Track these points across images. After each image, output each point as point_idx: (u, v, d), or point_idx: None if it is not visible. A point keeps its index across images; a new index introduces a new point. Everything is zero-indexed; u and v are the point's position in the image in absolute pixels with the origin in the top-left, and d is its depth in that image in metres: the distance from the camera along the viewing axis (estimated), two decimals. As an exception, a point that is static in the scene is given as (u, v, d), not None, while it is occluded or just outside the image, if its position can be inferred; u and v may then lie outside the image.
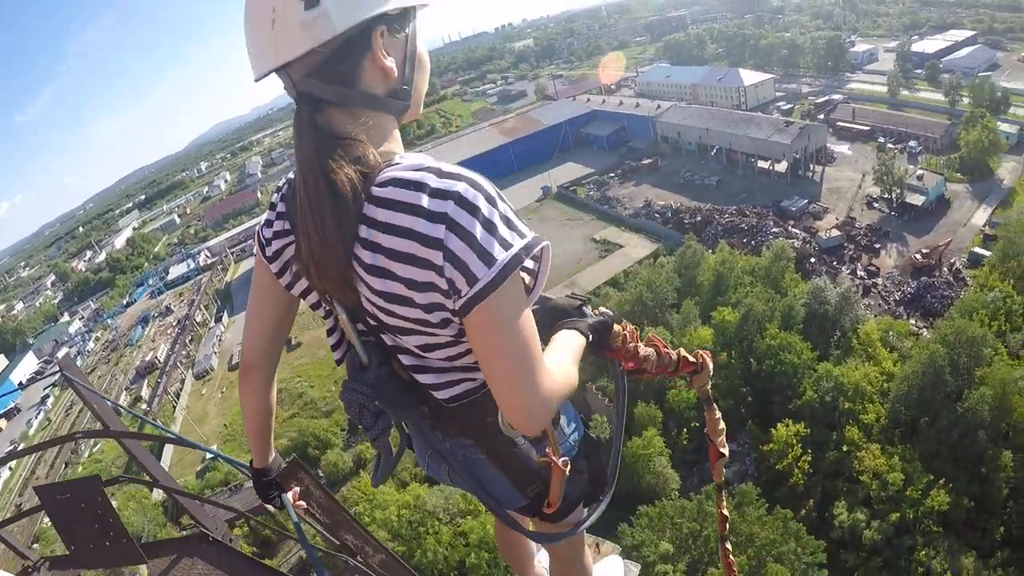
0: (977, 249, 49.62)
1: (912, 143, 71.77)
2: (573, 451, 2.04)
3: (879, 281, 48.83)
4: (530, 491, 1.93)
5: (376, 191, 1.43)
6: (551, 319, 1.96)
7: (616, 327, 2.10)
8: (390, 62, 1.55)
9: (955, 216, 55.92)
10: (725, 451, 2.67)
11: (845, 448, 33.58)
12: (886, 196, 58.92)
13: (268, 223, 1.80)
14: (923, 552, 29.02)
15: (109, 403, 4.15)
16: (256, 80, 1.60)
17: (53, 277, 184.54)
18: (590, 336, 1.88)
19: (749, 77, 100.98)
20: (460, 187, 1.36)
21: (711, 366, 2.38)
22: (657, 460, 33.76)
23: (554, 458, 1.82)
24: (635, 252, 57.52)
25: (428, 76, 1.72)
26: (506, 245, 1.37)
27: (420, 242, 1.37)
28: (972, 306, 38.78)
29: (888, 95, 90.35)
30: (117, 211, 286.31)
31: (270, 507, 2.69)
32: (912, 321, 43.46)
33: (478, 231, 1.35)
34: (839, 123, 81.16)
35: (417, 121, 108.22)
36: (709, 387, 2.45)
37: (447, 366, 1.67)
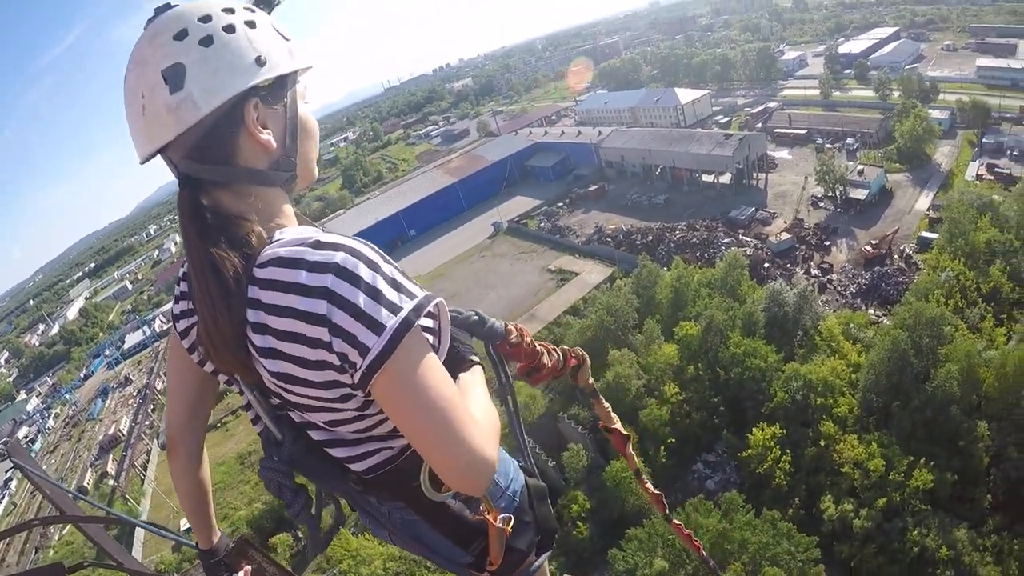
0: (924, 233, 50.89)
1: (849, 140, 74.48)
2: (514, 503, 2.00)
3: (834, 277, 49.66)
4: (473, 548, 1.85)
5: (258, 272, 1.39)
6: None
7: (510, 326, 2.03)
8: (267, 135, 1.50)
9: (899, 204, 57.47)
10: (624, 430, 2.64)
11: (823, 443, 33.91)
12: (830, 194, 60.21)
13: (176, 299, 1.78)
14: (915, 532, 29.43)
15: (63, 489, 3.81)
16: (141, 163, 1.55)
17: (7, 354, 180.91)
18: (490, 349, 1.93)
19: (685, 95, 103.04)
20: (338, 257, 1.32)
21: (588, 361, 2.45)
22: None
23: (488, 516, 1.74)
24: (591, 278, 57.40)
25: (316, 141, 1.68)
26: (394, 309, 1.33)
27: (304, 320, 1.32)
28: (927, 288, 40.06)
29: (821, 97, 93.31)
30: (67, 281, 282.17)
31: None
32: (871, 311, 44.25)
33: (361, 300, 1.30)
34: (777, 130, 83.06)
35: (363, 169, 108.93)
36: (592, 380, 2.47)
37: (359, 438, 1.59)
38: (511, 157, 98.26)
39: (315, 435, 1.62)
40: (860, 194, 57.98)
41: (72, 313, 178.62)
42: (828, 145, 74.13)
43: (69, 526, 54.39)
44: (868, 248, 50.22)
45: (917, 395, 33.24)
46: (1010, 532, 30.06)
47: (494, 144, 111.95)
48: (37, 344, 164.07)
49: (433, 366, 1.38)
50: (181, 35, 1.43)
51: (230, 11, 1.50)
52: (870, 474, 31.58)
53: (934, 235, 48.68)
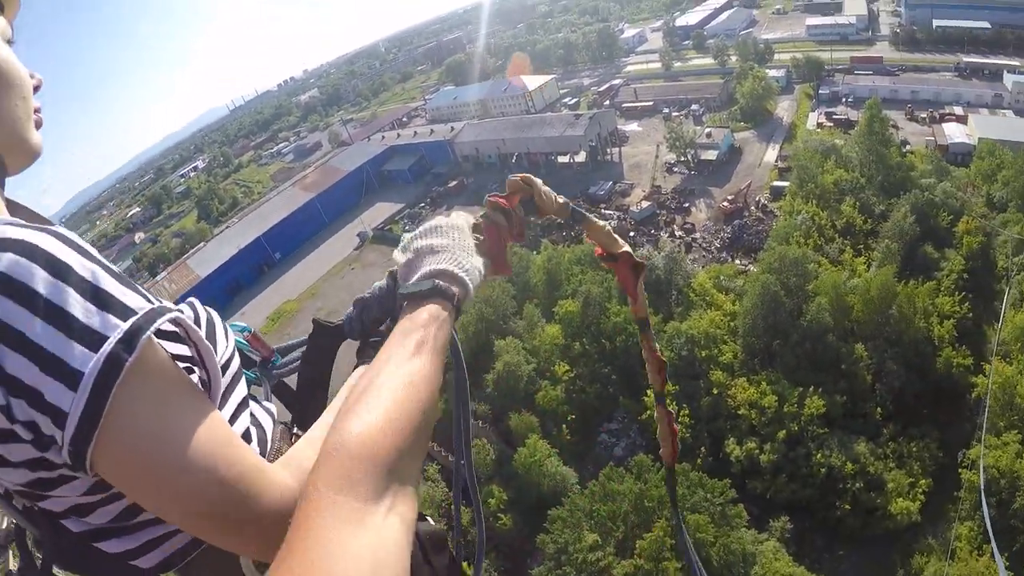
0: (776, 183, 53.45)
1: (694, 107, 77.06)
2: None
3: (697, 235, 51.12)
4: None
5: None
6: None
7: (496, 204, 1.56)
8: None
9: (748, 160, 60.21)
10: (627, 248, 1.83)
11: (715, 391, 35.04)
12: (683, 159, 61.97)
13: None
14: (819, 455, 31.41)
15: None
16: None
17: None
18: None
19: (532, 82, 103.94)
20: (4, 262, 0.84)
21: (539, 182, 1.62)
22: (548, 462, 33.49)
23: None
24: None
25: (20, 94, 1.14)
26: (92, 338, 0.86)
27: None
28: (786, 232, 42.19)
29: (663, 70, 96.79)
30: None
31: None
32: (737, 261, 46.03)
33: (39, 332, 0.83)
34: (624, 105, 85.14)
35: (218, 197, 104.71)
36: (554, 196, 1.67)
37: (132, 523, 1.09)
38: (367, 164, 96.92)
39: (71, 526, 1.08)
40: (711, 155, 60.26)
41: None
42: (675, 113, 75.99)
43: None
44: (725, 204, 52.13)
45: (794, 331, 35.09)
46: (905, 436, 32.85)
47: (348, 153, 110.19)
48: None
49: (173, 410, 0.93)
50: None
51: None
52: (766, 411, 32.98)
53: (785, 183, 51.33)
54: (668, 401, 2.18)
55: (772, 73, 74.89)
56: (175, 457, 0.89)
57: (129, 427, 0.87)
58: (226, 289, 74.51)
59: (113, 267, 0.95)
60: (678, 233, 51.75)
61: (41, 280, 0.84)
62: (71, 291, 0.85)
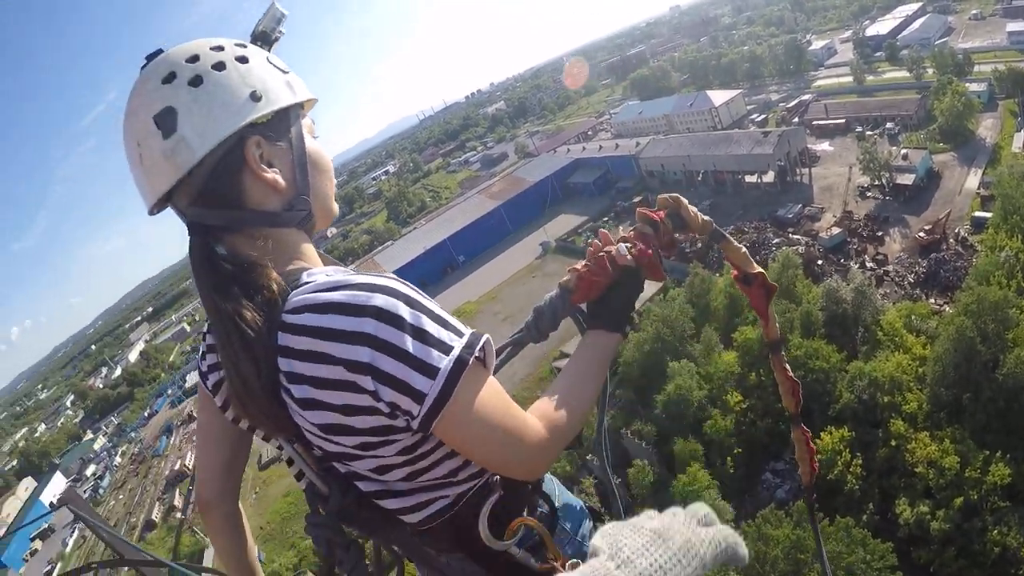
0: (978, 213, 49.31)
1: (889, 125, 72.62)
2: (584, 546, 1.87)
3: (890, 268, 48.29)
4: None
5: (288, 318, 1.32)
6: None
7: (569, 281, 1.81)
8: (272, 173, 1.47)
9: (948, 186, 56.07)
10: (760, 269, 2.02)
11: (894, 443, 32.21)
12: (877, 183, 58.91)
13: (203, 354, 1.73)
14: (995, 531, 27.78)
15: (114, 534, 4.04)
16: (150, 214, 1.55)
17: (72, 397, 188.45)
18: (626, 329, 1.73)
19: (718, 97, 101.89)
20: (377, 300, 1.26)
21: (685, 201, 1.86)
22: (706, 494, 32.70)
23: (556, 563, 1.62)
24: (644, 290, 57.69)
25: (330, 176, 1.64)
26: (445, 348, 1.29)
27: (346, 367, 1.25)
28: (986, 270, 38.14)
29: (855, 84, 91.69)
30: (127, 325, 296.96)
31: None
32: (931, 300, 42.76)
33: (408, 344, 1.25)
34: (815, 122, 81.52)
35: (407, 199, 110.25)
36: (699, 215, 1.87)
37: (409, 487, 1.52)
38: (552, 176, 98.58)
39: (363, 486, 1.54)
40: (907, 179, 56.62)
41: (133, 356, 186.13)
42: (868, 132, 72.39)
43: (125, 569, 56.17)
44: (922, 235, 48.87)
45: (988, 385, 31.53)
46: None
47: (533, 165, 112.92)
48: (101, 386, 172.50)
49: (487, 396, 1.36)
50: (169, 78, 1.40)
51: (219, 48, 1.46)
52: (945, 472, 29.70)
53: (988, 214, 46.93)
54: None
55: (972, 87, 68.30)
56: (484, 421, 1.33)
57: (466, 402, 1.29)
58: (412, 284, 78.50)
59: (437, 305, 1.40)
60: (869, 264, 49.10)
61: (405, 311, 1.25)
62: (424, 318, 1.28)
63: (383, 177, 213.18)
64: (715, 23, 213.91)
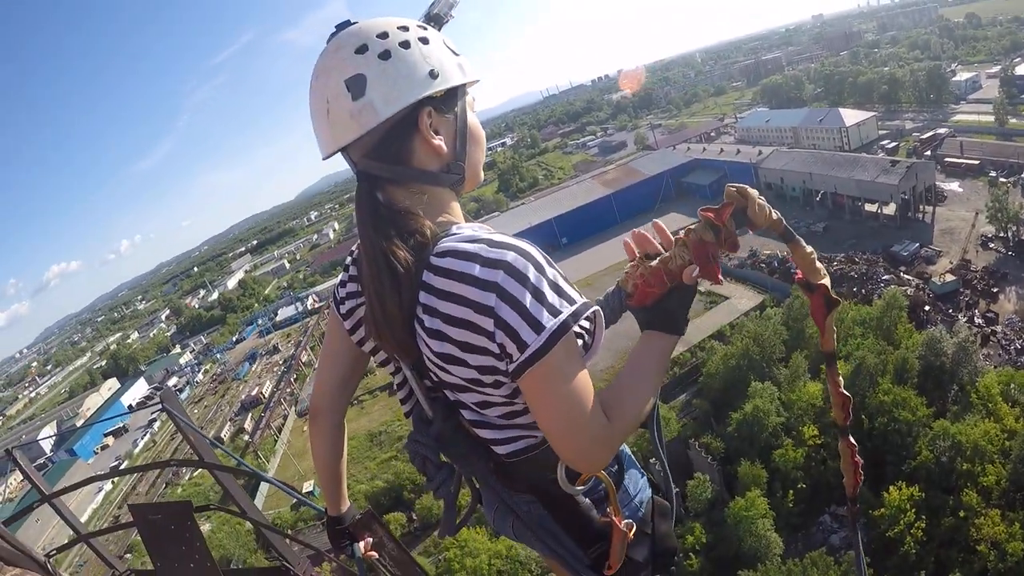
0: None
1: None
2: (638, 513, 2.07)
3: (999, 328, 46.07)
4: (592, 552, 1.92)
5: (434, 260, 1.56)
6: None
7: (626, 284, 1.83)
8: (439, 141, 1.70)
9: None
10: (827, 281, 1.92)
11: (962, 514, 30.81)
12: (1002, 235, 56.27)
13: (343, 283, 2.00)
14: None
15: (205, 438, 4.39)
16: (324, 159, 1.80)
17: (168, 312, 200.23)
18: (682, 331, 1.77)
19: (850, 116, 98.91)
20: (509, 256, 1.46)
21: (755, 194, 1.74)
22: (760, 522, 32.76)
23: (616, 519, 1.85)
24: (741, 304, 56.98)
25: (484, 148, 1.87)
26: (555, 312, 1.45)
27: (473, 309, 1.47)
28: None
29: (996, 124, 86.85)
30: (230, 254, 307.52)
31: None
32: None
33: (527, 299, 1.43)
34: (947, 159, 77.94)
35: (520, 174, 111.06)
36: (769, 210, 1.76)
37: (505, 423, 1.72)
38: (667, 172, 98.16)
39: (466, 414, 1.74)
40: None
41: (232, 283, 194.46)
42: (1003, 179, 67.70)
43: (201, 471, 58.60)
44: None
45: None
46: None
47: (651, 158, 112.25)
48: (197, 306, 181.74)
49: (575, 367, 1.49)
50: (362, 49, 1.64)
51: (404, 28, 1.70)
52: (1007, 557, 28.41)
53: None
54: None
55: None
56: (563, 391, 1.46)
57: (556, 363, 1.44)
58: None
59: (562, 272, 1.54)
60: (978, 320, 47.01)
61: (531, 271, 1.44)
62: (545, 281, 1.45)
63: (499, 148, 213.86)
64: (857, 38, 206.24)
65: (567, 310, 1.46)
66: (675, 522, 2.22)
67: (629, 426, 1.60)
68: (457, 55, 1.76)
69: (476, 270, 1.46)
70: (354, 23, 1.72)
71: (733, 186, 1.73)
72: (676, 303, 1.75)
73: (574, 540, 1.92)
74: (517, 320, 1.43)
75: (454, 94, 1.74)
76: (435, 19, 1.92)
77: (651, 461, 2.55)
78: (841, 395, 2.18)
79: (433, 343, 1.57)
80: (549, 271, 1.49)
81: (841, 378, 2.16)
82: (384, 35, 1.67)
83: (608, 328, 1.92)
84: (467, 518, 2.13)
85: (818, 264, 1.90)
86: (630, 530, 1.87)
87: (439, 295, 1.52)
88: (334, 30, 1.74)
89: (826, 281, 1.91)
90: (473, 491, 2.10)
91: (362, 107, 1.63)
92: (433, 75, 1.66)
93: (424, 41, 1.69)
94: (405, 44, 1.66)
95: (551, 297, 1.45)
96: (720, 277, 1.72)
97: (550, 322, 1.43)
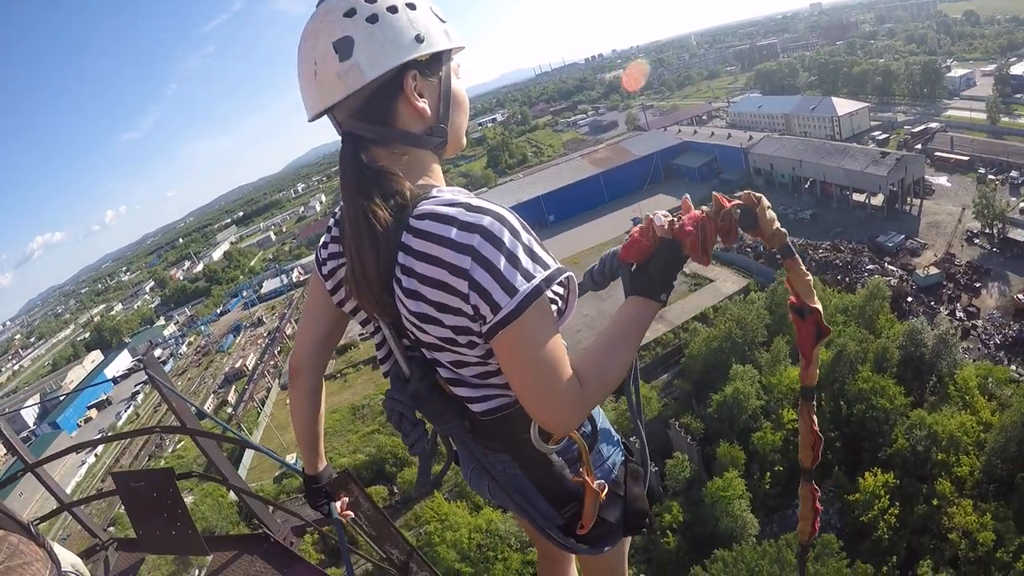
0: None
1: (1014, 173, 68.47)
2: (611, 475, 2.09)
3: (979, 323, 46.48)
4: (566, 511, 1.96)
5: (413, 222, 1.59)
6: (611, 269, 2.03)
7: (683, 233, 1.73)
8: (423, 103, 1.72)
9: None
10: (819, 306, 1.88)
11: (935, 502, 31.59)
12: (987, 231, 56.62)
13: (324, 244, 2.02)
14: None
15: (189, 404, 4.42)
16: (309, 120, 1.82)
17: (152, 283, 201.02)
18: (662, 297, 1.73)
19: (843, 106, 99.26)
20: (486, 221, 1.49)
21: (767, 203, 1.75)
22: (737, 503, 33.09)
23: (588, 479, 1.87)
24: (725, 287, 57.04)
25: (466, 113, 1.88)
26: (528, 276, 1.49)
27: (448, 271, 1.51)
28: None
29: (988, 122, 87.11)
30: (216, 225, 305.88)
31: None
32: (1013, 367, 40.63)
33: (501, 263, 1.47)
34: (937, 153, 78.32)
35: (509, 150, 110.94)
36: (775, 222, 1.76)
37: (479, 383, 1.77)
38: (658, 154, 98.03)
39: (442, 372, 1.81)
40: (1020, 235, 54.21)
41: (217, 254, 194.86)
42: (991, 176, 68.30)
43: (184, 440, 58.68)
44: (1021, 297, 46.70)
45: None
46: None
47: (641, 139, 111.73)
48: (181, 278, 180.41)
49: (548, 331, 1.53)
50: (350, 13, 1.65)
51: None
52: (977, 546, 28.82)
53: None
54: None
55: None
56: (535, 354, 1.49)
57: (526, 327, 1.47)
58: None
59: (538, 239, 1.57)
60: (959, 314, 47.28)
61: (506, 236, 1.47)
62: (520, 246, 1.49)
63: (489, 124, 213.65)
64: (854, 28, 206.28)
65: (540, 275, 1.50)
66: (653, 500, 2.21)
67: (602, 390, 1.61)
68: (444, 22, 1.77)
69: (453, 233, 1.50)
70: None
71: (751, 192, 1.76)
72: (656, 268, 1.75)
73: (548, 500, 1.95)
74: (491, 283, 1.47)
75: (439, 59, 1.76)
76: None
77: (631, 439, 2.23)
78: (814, 434, 2.14)
79: (410, 303, 1.61)
80: (524, 236, 1.52)
81: (816, 417, 2.12)
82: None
83: (605, 289, 2.14)
84: (441, 476, 2.25)
85: (813, 289, 1.90)
86: (602, 490, 1.88)
87: (416, 256, 1.56)
88: None
89: (820, 307, 1.88)
90: (449, 450, 2.16)
91: (348, 68, 1.65)
92: (419, 39, 1.68)
93: (411, 7, 1.70)
94: (392, 8, 1.67)
95: (525, 262, 1.49)
96: (705, 257, 1.71)
97: (523, 286, 1.47)
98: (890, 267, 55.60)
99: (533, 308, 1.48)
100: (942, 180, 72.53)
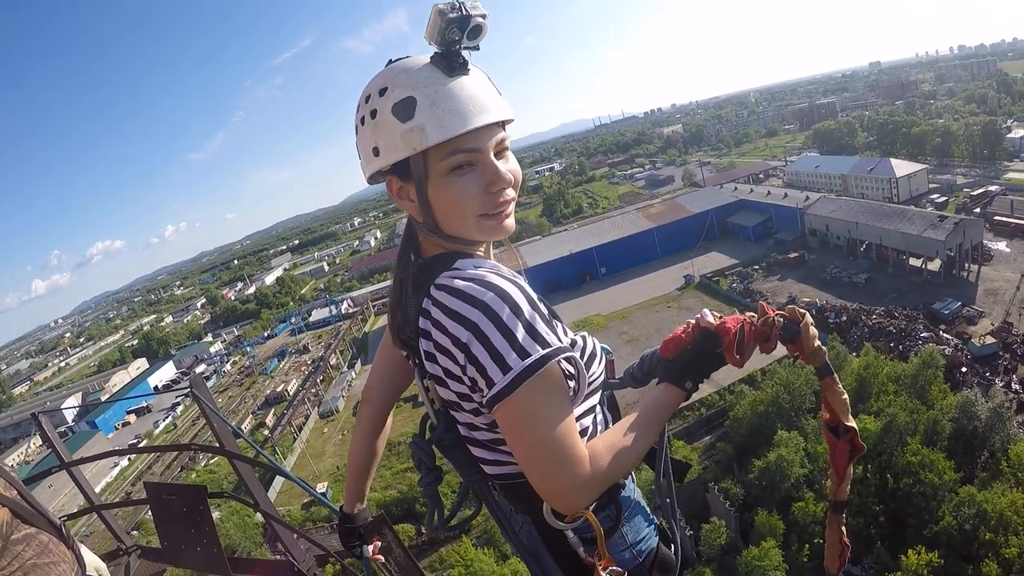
0: None
1: None
2: (636, 562, 2.00)
3: None
4: None
5: (433, 291, 1.65)
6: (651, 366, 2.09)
7: (723, 328, 1.83)
8: (408, 204, 1.76)
9: None
10: (855, 424, 1.99)
11: None
12: None
13: None
14: None
15: (229, 426, 4.49)
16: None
17: (204, 300, 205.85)
18: (687, 385, 1.81)
19: (901, 168, 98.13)
20: (488, 297, 1.54)
21: (810, 320, 1.84)
22: (772, 574, 32.41)
23: (597, 563, 1.80)
24: (775, 350, 56.74)
25: (464, 214, 1.71)
26: (523, 353, 1.51)
27: (452, 341, 1.57)
28: None
29: None
30: (271, 251, 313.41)
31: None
32: None
33: (497, 339, 1.51)
34: (996, 217, 76.66)
35: (565, 200, 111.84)
36: (816, 339, 1.85)
37: (492, 447, 1.82)
38: (713, 211, 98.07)
39: (460, 430, 1.85)
40: None
41: (270, 279, 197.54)
42: None
43: (218, 460, 58.94)
44: None
45: None
46: None
47: (697, 195, 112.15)
48: (233, 298, 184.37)
49: (551, 409, 1.54)
50: (357, 116, 1.72)
51: (368, 98, 1.68)
52: None
53: None
54: None
55: None
56: (537, 430, 1.51)
57: (524, 404, 1.50)
58: (545, 284, 77.69)
59: (547, 314, 1.66)
60: (1015, 387, 45.30)
61: (506, 313, 1.51)
62: (519, 323, 1.52)
63: (547, 172, 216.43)
64: (914, 88, 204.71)
65: (537, 353, 1.52)
66: (686, 565, 2.21)
67: (611, 472, 1.63)
68: (405, 122, 1.61)
69: (459, 306, 1.57)
70: (392, 62, 1.72)
71: (797, 307, 1.83)
72: (689, 357, 1.84)
73: (562, 571, 1.93)
74: (486, 358, 1.52)
75: (406, 165, 1.67)
76: (447, 45, 1.63)
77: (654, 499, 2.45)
78: (842, 544, 2.15)
79: (427, 364, 1.71)
80: (526, 313, 1.55)
81: (844, 528, 2.16)
82: (359, 107, 1.72)
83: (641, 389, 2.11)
84: (446, 520, 2.22)
85: (849, 407, 1.98)
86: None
87: (432, 323, 1.63)
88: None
89: (855, 425, 1.96)
90: (476, 499, 2.16)
91: (362, 167, 1.80)
92: (375, 152, 1.70)
93: (373, 115, 1.66)
94: (362, 120, 1.69)
95: (522, 339, 1.52)
96: (739, 360, 1.79)
97: (517, 363, 1.50)
98: (945, 335, 54.05)
99: (530, 385, 1.50)
100: (1001, 245, 70.99)
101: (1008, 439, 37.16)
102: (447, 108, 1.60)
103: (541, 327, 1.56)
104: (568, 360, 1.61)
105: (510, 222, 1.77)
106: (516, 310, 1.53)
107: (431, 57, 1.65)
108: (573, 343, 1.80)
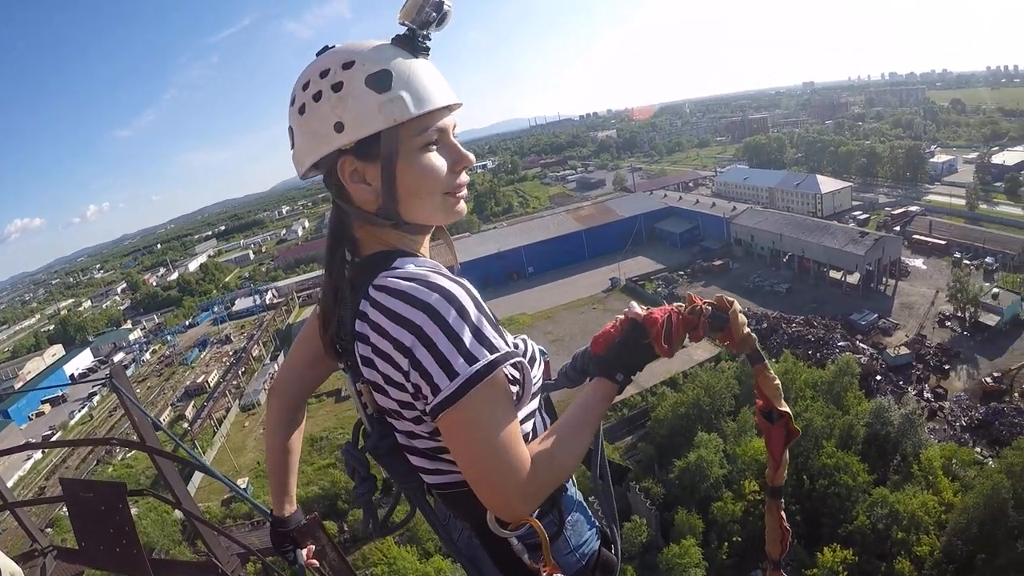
0: None
1: (989, 259, 69.71)
2: (578, 566, 1.99)
3: (946, 404, 46.28)
4: None
5: (371, 292, 1.55)
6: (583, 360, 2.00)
7: (650, 319, 1.75)
8: (361, 188, 1.63)
9: None
10: (788, 409, 1.91)
11: None
12: (959, 315, 56.94)
13: None
14: None
15: (150, 419, 4.26)
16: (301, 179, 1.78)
17: (124, 285, 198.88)
18: (618, 377, 1.72)
19: (827, 184, 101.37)
20: (432, 298, 1.45)
21: (739, 308, 1.82)
22: (692, 571, 32.62)
23: (543, 569, 1.74)
24: (696, 354, 56.78)
25: (430, 195, 1.67)
26: (471, 359, 1.44)
27: (394, 346, 1.48)
28: None
29: (966, 208, 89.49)
30: (196, 236, 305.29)
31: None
32: (977, 449, 40.40)
33: (443, 343, 1.43)
34: (915, 236, 79.81)
35: (496, 198, 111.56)
36: (745, 327, 1.81)
37: (432, 455, 1.74)
38: (642, 216, 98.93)
39: (398, 438, 1.77)
40: (991, 320, 54.65)
41: (193, 266, 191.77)
42: (966, 261, 69.81)
43: (135, 452, 57.46)
44: (988, 380, 47.09)
45: (1006, 551, 29.58)
46: None
47: (627, 200, 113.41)
48: (154, 284, 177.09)
49: (496, 415, 1.48)
50: (292, 101, 1.64)
51: (325, 73, 1.58)
52: None
53: None
54: None
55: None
56: (483, 439, 1.44)
57: (471, 411, 1.42)
58: (473, 282, 78.13)
59: (492, 317, 1.56)
60: (926, 395, 47.21)
61: (452, 316, 1.43)
62: (466, 327, 1.44)
63: (479, 170, 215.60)
64: (844, 109, 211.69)
65: (484, 358, 1.44)
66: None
67: (553, 476, 1.55)
68: (382, 93, 1.54)
69: (402, 308, 1.47)
70: (331, 48, 1.65)
71: (724, 296, 1.81)
72: (618, 350, 1.74)
73: None
74: (431, 363, 1.43)
75: (375, 142, 1.57)
76: (420, 25, 1.61)
77: (593, 502, 2.09)
78: (782, 529, 2.11)
79: (364, 369, 1.60)
80: (473, 316, 1.47)
81: (784, 513, 2.11)
82: (306, 85, 1.60)
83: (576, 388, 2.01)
84: (402, 525, 2.23)
85: (781, 392, 1.90)
86: None
87: (371, 326, 1.53)
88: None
89: (789, 410, 1.89)
90: (411, 505, 2.07)
91: (293, 155, 1.67)
92: (338, 128, 1.55)
93: (336, 88, 1.55)
94: (317, 95, 1.57)
95: (469, 343, 1.44)
96: (668, 349, 1.71)
97: (464, 369, 1.42)
98: (861, 345, 55.53)
99: (477, 392, 1.42)
100: (918, 263, 73.71)
101: (919, 444, 38.48)
102: (422, 84, 1.58)
103: (488, 330, 1.51)
104: (515, 365, 1.57)
105: (463, 206, 1.74)
106: (462, 312, 1.47)
107: (394, 39, 1.62)
108: (515, 346, 1.77)
